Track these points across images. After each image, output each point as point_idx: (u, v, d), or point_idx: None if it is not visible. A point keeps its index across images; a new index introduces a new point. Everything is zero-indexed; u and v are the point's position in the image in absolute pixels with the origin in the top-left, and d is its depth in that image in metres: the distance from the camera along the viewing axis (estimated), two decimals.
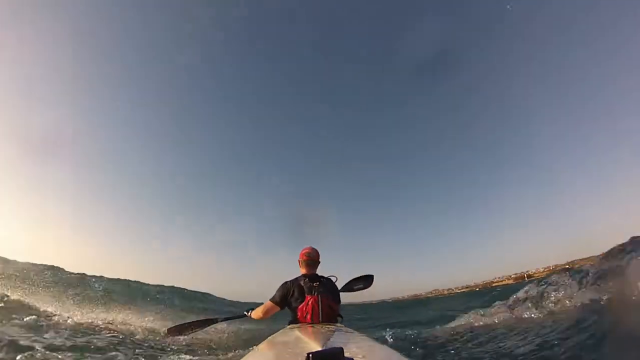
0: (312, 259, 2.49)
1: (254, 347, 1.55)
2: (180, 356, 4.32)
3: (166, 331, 3.02)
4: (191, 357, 4.37)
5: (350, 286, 2.94)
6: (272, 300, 2.45)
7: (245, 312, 2.71)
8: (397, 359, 1.05)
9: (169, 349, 4.71)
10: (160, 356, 4.27)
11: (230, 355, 4.65)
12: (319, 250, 2.57)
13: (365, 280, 2.98)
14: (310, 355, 0.81)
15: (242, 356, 1.19)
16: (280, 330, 2.09)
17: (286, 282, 2.43)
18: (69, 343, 3.95)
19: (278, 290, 2.43)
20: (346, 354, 0.85)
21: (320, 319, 2.27)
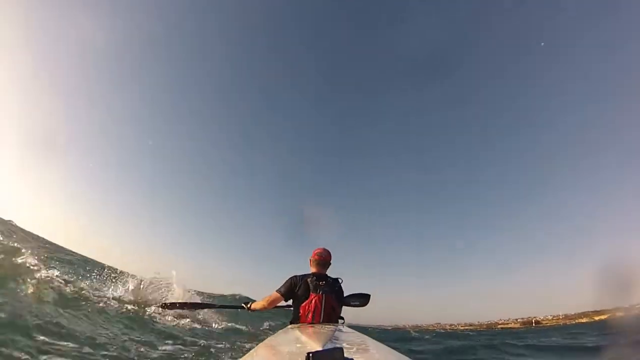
0: (323, 259, 2.55)
1: (254, 346, 1.59)
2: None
3: (161, 305, 3.32)
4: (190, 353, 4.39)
5: (347, 300, 2.93)
6: (278, 291, 2.50)
7: (244, 304, 2.78)
8: (397, 359, 1.08)
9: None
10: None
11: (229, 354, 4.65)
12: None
13: (363, 298, 2.98)
14: (310, 355, 0.85)
15: (242, 355, 1.22)
16: (281, 330, 2.13)
17: (295, 276, 2.49)
18: None
19: (285, 282, 2.49)
20: (346, 354, 0.89)
21: (322, 318, 2.30)
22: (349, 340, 1.46)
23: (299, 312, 2.36)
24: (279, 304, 2.67)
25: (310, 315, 2.31)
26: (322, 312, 2.32)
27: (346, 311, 2.75)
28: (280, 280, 2.57)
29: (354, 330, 1.98)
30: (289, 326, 2.33)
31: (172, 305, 3.67)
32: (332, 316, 2.38)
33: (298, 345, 1.38)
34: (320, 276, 2.49)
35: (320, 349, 1.07)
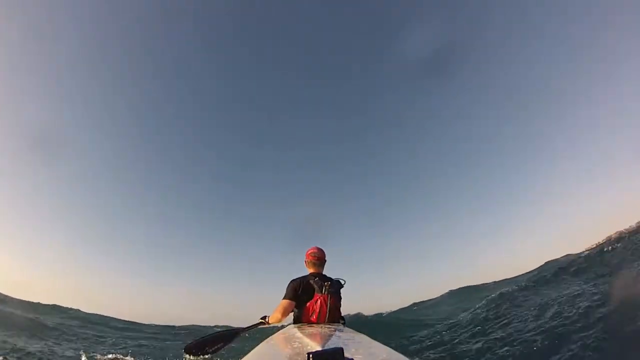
0: (318, 259, 2.53)
1: (255, 346, 1.56)
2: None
3: (184, 350, 2.60)
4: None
5: None
6: (286, 297, 2.40)
7: (262, 319, 2.55)
8: (397, 359, 1.05)
9: None
10: None
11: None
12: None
13: None
14: (311, 355, 0.83)
15: (243, 355, 1.19)
16: (281, 330, 2.11)
17: (295, 279, 2.43)
18: None
19: (288, 288, 2.42)
20: (346, 354, 0.88)
21: (327, 319, 2.30)
22: (349, 340, 1.47)
23: (302, 312, 2.34)
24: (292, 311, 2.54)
25: (315, 316, 2.29)
26: (328, 312, 2.30)
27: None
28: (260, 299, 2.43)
29: (354, 331, 1.99)
30: (290, 326, 2.31)
31: (199, 347, 2.61)
32: (335, 316, 2.37)
33: (298, 345, 1.38)
34: (323, 276, 2.46)
35: (320, 349, 1.07)
